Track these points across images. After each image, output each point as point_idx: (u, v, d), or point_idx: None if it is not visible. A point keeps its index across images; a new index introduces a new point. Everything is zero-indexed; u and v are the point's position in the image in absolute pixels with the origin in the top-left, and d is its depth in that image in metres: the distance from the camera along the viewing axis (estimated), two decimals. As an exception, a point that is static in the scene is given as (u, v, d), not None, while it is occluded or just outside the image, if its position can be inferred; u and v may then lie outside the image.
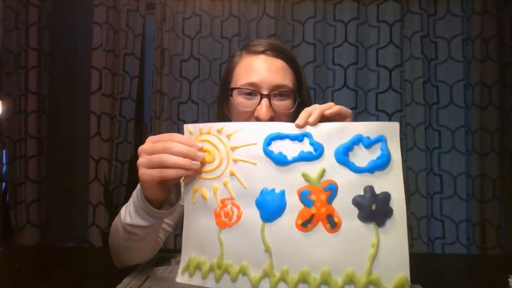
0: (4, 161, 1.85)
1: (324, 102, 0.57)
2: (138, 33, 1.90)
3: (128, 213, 0.62)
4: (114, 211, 1.80)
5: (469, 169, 1.73)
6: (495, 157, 1.68)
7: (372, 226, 0.47)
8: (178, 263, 0.75)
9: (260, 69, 0.70)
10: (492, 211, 1.68)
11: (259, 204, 0.52)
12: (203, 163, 0.55)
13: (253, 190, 0.52)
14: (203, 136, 0.56)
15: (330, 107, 0.56)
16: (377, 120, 1.81)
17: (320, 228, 0.49)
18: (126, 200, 0.66)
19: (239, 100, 0.71)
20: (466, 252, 1.70)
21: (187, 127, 0.57)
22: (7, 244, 1.82)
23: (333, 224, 0.48)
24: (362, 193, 0.48)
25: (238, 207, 0.53)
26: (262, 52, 0.72)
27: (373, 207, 0.47)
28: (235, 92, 0.71)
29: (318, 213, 0.49)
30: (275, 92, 0.70)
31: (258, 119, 0.68)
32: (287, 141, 0.52)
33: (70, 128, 2.13)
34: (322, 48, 1.83)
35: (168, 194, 0.61)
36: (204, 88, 1.85)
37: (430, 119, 1.78)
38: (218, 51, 1.86)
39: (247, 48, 0.74)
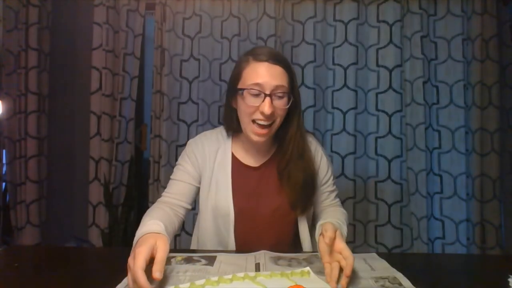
0: (4, 161, 1.85)
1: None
2: (138, 33, 1.90)
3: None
4: (114, 211, 1.80)
5: (469, 169, 1.73)
6: (495, 157, 1.68)
7: None
8: (178, 263, 0.75)
9: (264, 73, 0.88)
10: (492, 211, 1.68)
11: None
12: None
13: None
14: None
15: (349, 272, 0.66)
16: (377, 120, 1.81)
17: None
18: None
19: (248, 98, 0.89)
20: (466, 252, 1.70)
21: None
22: (7, 244, 1.82)
23: None
24: None
25: None
26: (266, 60, 0.90)
27: None
28: (245, 91, 0.89)
29: None
30: (275, 92, 0.88)
31: (262, 113, 0.87)
32: None
33: (70, 128, 2.13)
34: (322, 48, 1.83)
35: None
36: (204, 88, 1.85)
37: (430, 119, 1.78)
38: (218, 51, 1.86)
39: (254, 55, 0.92)
